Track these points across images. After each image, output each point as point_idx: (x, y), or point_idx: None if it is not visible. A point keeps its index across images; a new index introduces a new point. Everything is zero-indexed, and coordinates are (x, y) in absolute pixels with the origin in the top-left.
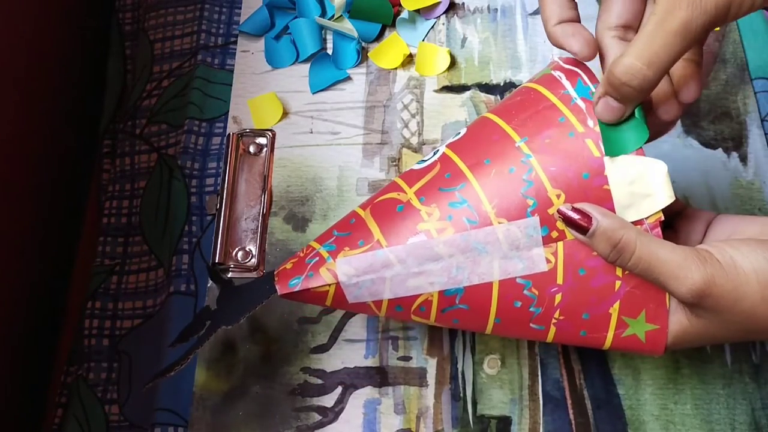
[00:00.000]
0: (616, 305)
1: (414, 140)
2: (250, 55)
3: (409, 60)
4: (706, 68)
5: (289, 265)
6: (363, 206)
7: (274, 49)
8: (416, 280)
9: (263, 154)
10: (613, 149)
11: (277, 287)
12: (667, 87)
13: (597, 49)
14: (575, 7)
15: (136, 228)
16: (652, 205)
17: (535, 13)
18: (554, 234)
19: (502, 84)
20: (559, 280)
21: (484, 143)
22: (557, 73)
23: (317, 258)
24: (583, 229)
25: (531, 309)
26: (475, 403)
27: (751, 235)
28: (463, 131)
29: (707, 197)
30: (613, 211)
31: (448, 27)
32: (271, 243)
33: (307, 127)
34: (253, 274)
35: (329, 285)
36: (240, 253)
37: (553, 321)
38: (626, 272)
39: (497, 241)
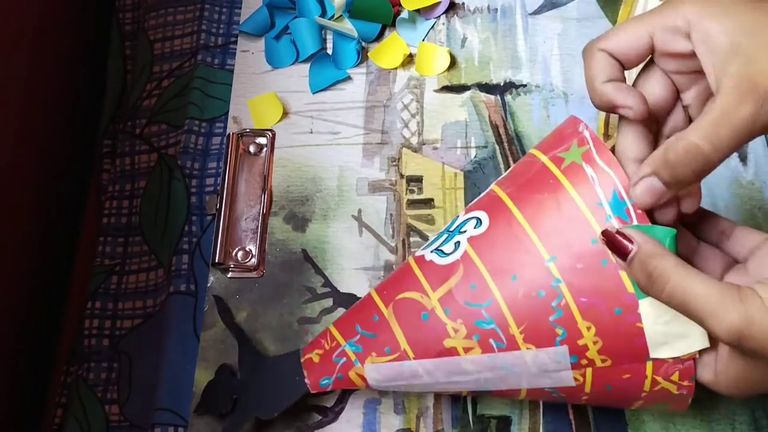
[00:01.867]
0: (641, 401)
1: (414, 140)
2: (250, 55)
3: (409, 60)
4: None
5: (315, 358)
6: (384, 299)
7: (274, 49)
8: (444, 387)
9: (263, 154)
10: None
11: (307, 383)
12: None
13: (650, 109)
14: (623, 71)
15: (136, 228)
16: (687, 346)
17: (535, 12)
18: (584, 362)
19: (502, 84)
20: (587, 389)
21: (510, 252)
22: (589, 170)
23: (344, 359)
24: (624, 254)
25: (559, 399)
26: (475, 403)
27: None
28: (485, 221)
29: (707, 197)
30: (646, 348)
31: (448, 27)
32: (271, 243)
33: (307, 127)
34: (253, 274)
35: (359, 385)
36: (240, 253)
37: (582, 400)
38: (651, 388)
39: (525, 364)
